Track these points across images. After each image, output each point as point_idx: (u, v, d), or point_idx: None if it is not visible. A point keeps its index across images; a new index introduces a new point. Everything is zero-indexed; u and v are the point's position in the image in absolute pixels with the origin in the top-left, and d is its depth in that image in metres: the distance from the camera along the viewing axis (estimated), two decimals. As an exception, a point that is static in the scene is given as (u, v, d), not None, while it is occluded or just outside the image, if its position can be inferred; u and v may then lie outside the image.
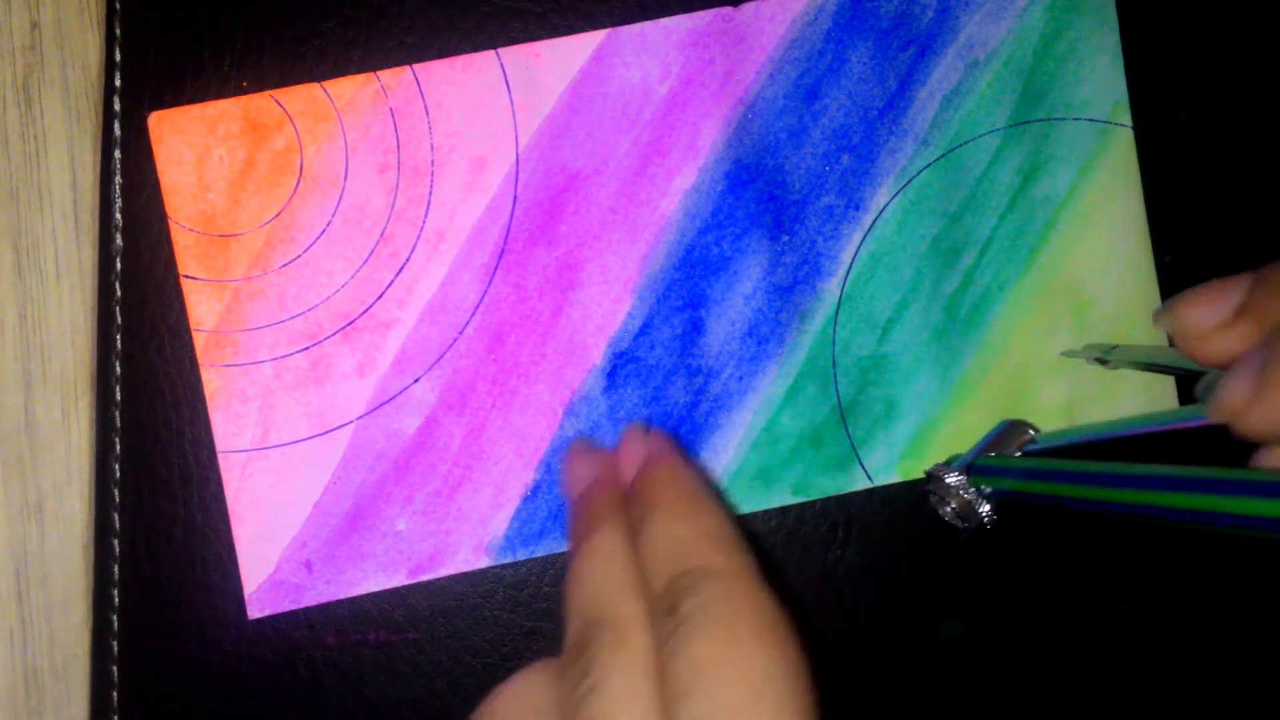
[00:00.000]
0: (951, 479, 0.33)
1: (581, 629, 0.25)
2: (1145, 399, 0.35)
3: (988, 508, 0.32)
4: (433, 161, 0.34)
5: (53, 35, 0.34)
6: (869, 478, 0.35)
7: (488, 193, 0.34)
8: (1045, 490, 0.30)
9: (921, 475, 0.35)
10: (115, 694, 0.33)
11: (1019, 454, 0.33)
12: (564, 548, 0.34)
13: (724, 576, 0.25)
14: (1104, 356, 0.34)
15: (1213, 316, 0.27)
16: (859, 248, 0.35)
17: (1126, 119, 0.35)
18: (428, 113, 0.34)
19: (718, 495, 0.31)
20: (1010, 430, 0.34)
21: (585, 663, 0.24)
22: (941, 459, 0.35)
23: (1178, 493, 0.26)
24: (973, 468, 0.33)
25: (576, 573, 0.27)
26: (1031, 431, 0.34)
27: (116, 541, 0.33)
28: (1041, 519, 0.35)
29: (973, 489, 0.33)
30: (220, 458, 0.33)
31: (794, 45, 0.35)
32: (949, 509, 0.33)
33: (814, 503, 0.35)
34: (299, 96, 0.34)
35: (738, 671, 0.22)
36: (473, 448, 0.34)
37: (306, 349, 0.34)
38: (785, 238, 0.35)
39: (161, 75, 0.34)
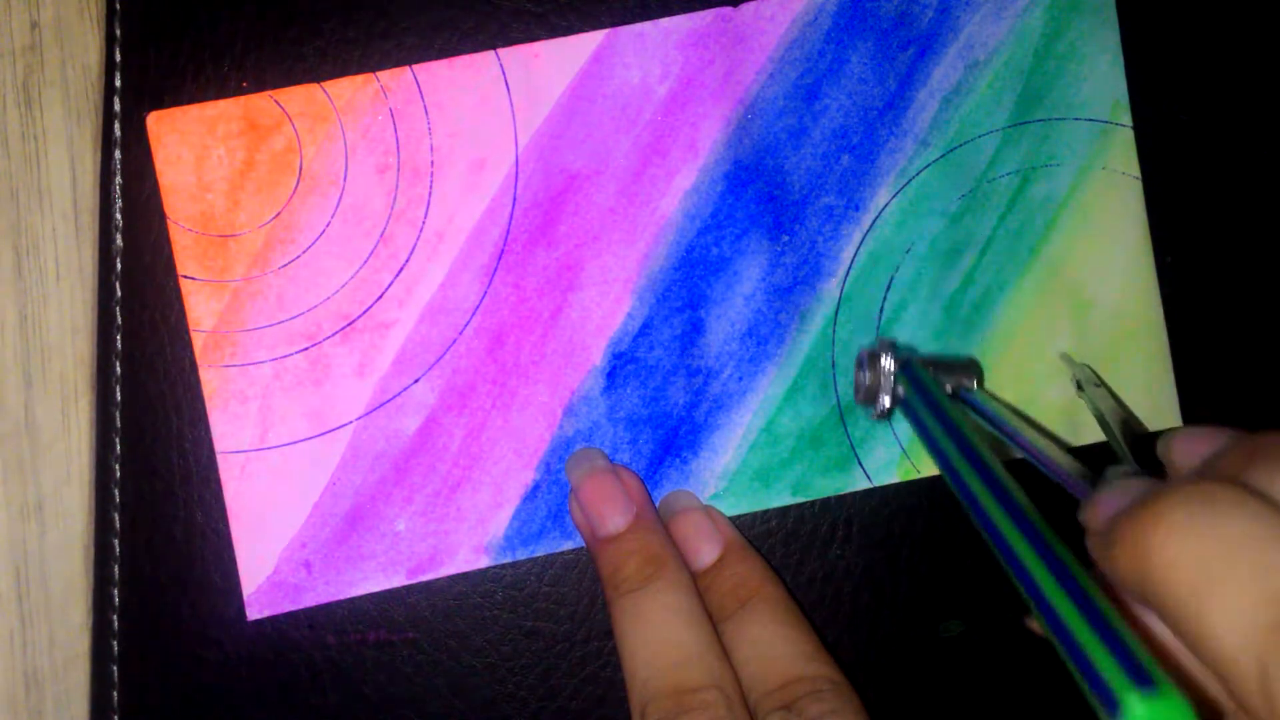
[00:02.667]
0: (887, 363, 0.31)
1: (677, 684, 0.28)
2: (1146, 400, 0.35)
3: (886, 402, 0.31)
4: (432, 162, 0.34)
5: (53, 35, 0.34)
6: (868, 478, 0.35)
7: (487, 193, 0.34)
8: (928, 434, 0.28)
9: (916, 475, 0.35)
10: (115, 694, 0.33)
11: (948, 390, 0.32)
12: (563, 547, 0.34)
13: (845, 690, 0.28)
14: (1081, 385, 0.34)
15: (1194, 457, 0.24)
16: (859, 248, 0.35)
17: (1126, 119, 0.35)
18: (427, 113, 0.34)
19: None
20: (967, 366, 0.32)
21: None
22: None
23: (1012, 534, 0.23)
24: (907, 367, 0.31)
25: (646, 619, 0.29)
26: (974, 384, 0.32)
27: (116, 541, 0.33)
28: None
29: (892, 382, 0.31)
30: (219, 458, 0.33)
31: (794, 45, 0.35)
32: (864, 377, 0.31)
33: (814, 503, 0.35)
34: (299, 97, 0.34)
35: None
36: (472, 448, 0.34)
37: (306, 349, 0.34)
38: (785, 238, 0.35)
39: (161, 75, 0.34)
